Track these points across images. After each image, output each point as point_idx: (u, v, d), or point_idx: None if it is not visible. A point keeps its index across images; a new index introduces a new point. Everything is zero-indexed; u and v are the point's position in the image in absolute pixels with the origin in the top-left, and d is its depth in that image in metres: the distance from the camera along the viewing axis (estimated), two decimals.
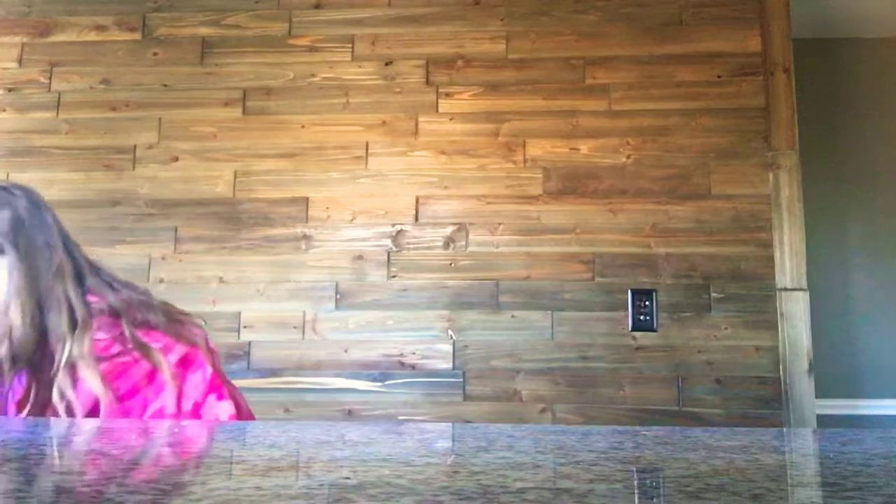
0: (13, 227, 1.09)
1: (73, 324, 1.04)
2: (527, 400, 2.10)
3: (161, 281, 2.22)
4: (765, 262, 2.12)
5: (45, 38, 2.41)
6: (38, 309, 1.04)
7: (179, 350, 1.07)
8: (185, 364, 1.07)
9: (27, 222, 1.10)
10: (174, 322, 1.12)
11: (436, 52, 2.30)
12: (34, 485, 0.44)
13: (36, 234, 1.11)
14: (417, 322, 2.16)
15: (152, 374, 1.04)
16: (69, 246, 1.14)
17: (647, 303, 2.11)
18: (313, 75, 2.32)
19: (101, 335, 1.04)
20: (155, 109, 2.33)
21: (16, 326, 1.01)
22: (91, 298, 1.09)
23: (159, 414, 1.03)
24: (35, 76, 2.39)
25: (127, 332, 1.05)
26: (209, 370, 1.09)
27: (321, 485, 0.43)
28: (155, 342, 1.07)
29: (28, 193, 1.15)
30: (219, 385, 1.11)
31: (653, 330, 2.11)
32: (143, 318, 1.09)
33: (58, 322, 1.03)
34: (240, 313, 2.20)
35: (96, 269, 1.15)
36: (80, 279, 1.10)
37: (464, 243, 2.19)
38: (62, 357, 1.00)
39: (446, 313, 2.16)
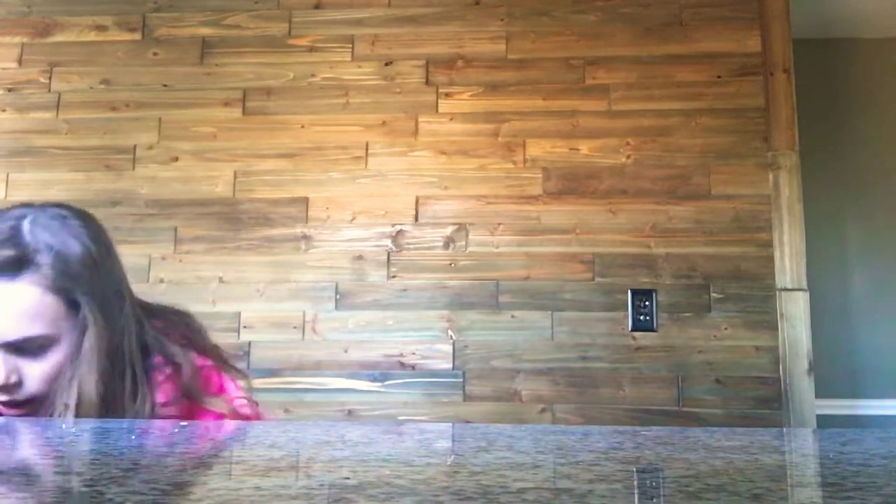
0: (87, 268, 0.88)
1: (135, 392, 0.91)
2: (527, 400, 2.10)
3: (161, 281, 2.22)
4: (765, 262, 2.12)
5: (45, 38, 2.41)
6: (106, 375, 0.89)
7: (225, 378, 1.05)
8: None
9: (99, 263, 0.90)
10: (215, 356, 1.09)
11: (436, 52, 2.30)
12: (33, 485, 0.44)
13: (107, 279, 0.92)
14: (417, 322, 2.16)
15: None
16: (129, 287, 0.97)
17: (646, 303, 2.11)
18: (313, 75, 2.32)
19: (159, 398, 0.94)
20: (155, 109, 2.33)
21: (85, 390, 0.87)
22: (153, 358, 0.97)
23: None
24: (35, 76, 2.38)
25: (183, 385, 0.96)
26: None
27: (321, 485, 0.43)
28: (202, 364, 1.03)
29: (89, 221, 0.95)
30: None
31: (653, 330, 2.11)
32: (200, 355, 1.01)
33: (121, 390, 0.91)
34: (240, 313, 2.19)
35: (147, 309, 1.01)
36: (140, 334, 0.95)
37: (464, 243, 2.19)
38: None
39: (446, 313, 2.16)
